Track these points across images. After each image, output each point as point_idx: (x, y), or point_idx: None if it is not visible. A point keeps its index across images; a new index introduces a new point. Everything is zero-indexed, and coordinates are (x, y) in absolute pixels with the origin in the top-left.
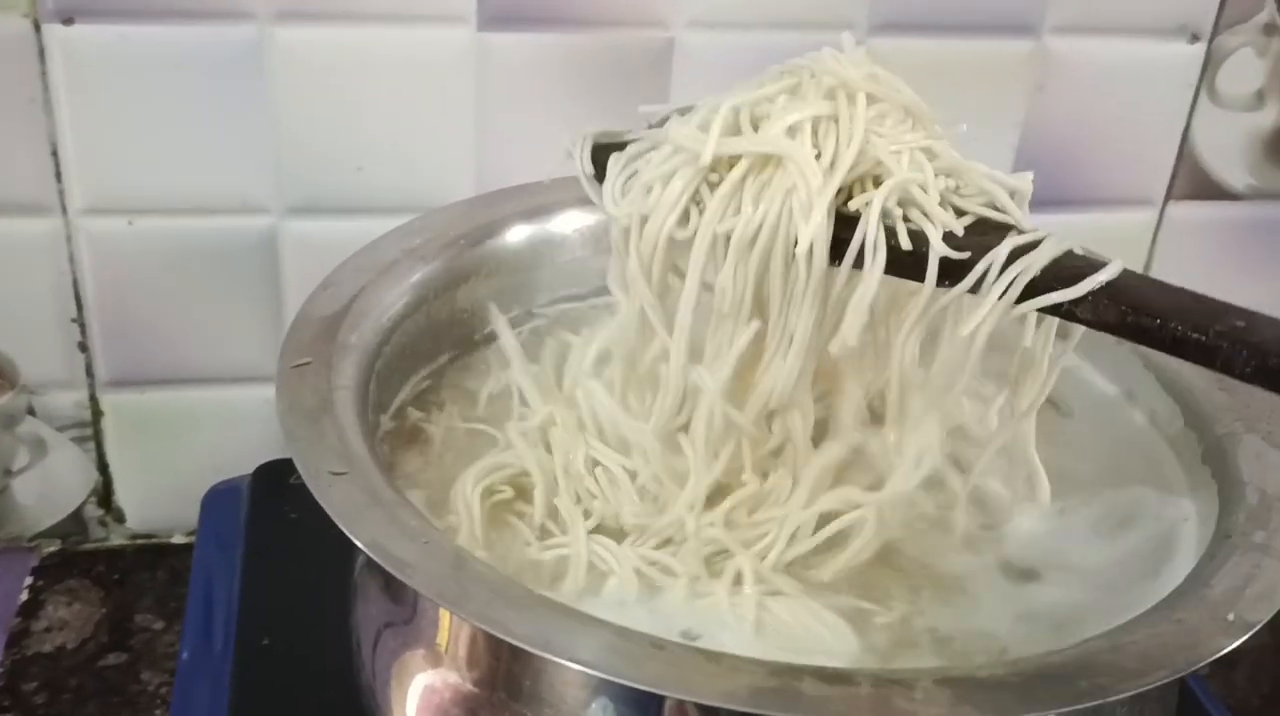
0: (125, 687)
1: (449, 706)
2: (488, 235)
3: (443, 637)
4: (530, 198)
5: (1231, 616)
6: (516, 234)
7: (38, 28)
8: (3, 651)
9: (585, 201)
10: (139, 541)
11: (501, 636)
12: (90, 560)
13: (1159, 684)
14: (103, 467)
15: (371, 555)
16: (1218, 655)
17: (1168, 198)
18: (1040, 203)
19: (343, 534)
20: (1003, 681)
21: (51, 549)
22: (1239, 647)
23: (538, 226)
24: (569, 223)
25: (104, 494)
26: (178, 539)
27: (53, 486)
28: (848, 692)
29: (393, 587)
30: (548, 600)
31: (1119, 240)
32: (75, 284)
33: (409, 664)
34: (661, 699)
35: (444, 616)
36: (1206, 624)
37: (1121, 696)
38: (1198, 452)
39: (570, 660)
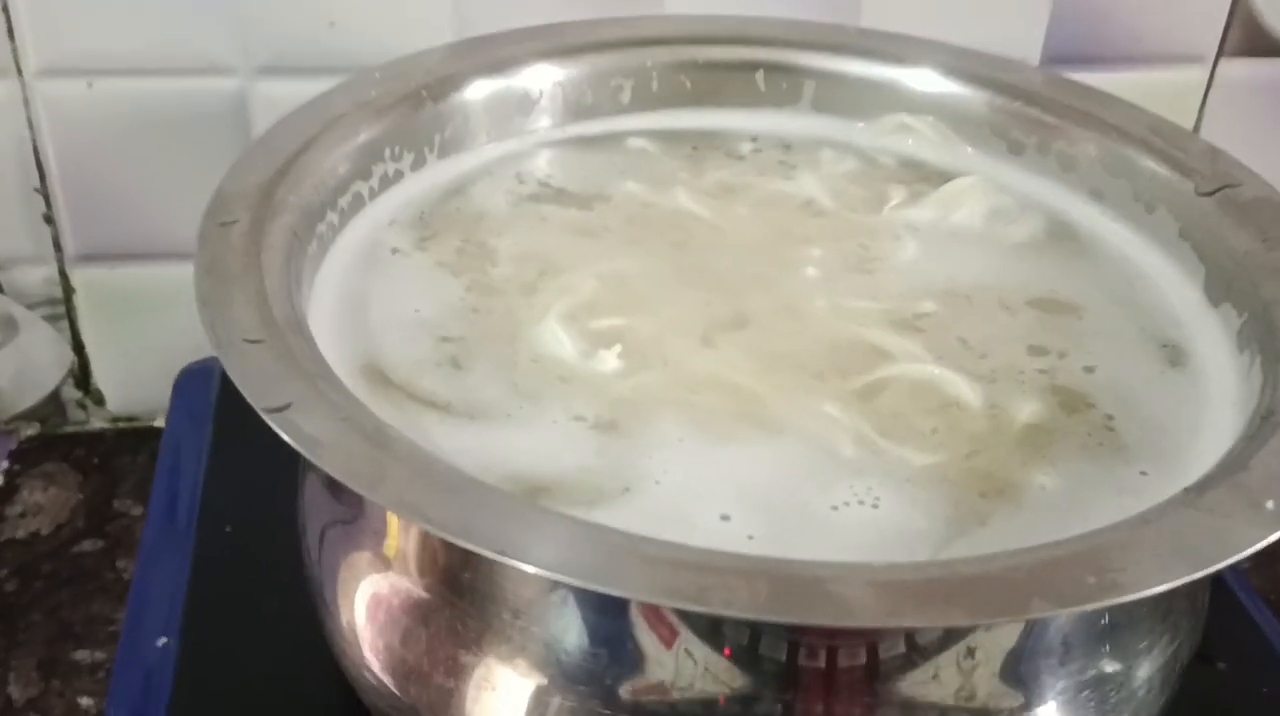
0: (100, 574)
1: (398, 612)
2: (452, 88)
3: (386, 531)
4: (502, 48)
5: (1271, 504)
6: (478, 89)
7: None
8: None
9: (556, 54)
10: (120, 424)
11: (421, 524)
12: (69, 443)
13: (1184, 581)
14: (78, 348)
15: (279, 430)
16: (1254, 548)
17: (1219, 54)
18: (1077, 60)
19: None
20: (1007, 576)
21: (30, 432)
22: None
23: (504, 81)
24: (538, 77)
25: (81, 375)
26: (160, 422)
27: (27, 367)
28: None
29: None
30: (482, 484)
31: (1164, 101)
32: (36, 151)
33: (355, 562)
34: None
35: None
36: (1243, 511)
37: (1143, 595)
38: (1236, 325)
39: (499, 553)
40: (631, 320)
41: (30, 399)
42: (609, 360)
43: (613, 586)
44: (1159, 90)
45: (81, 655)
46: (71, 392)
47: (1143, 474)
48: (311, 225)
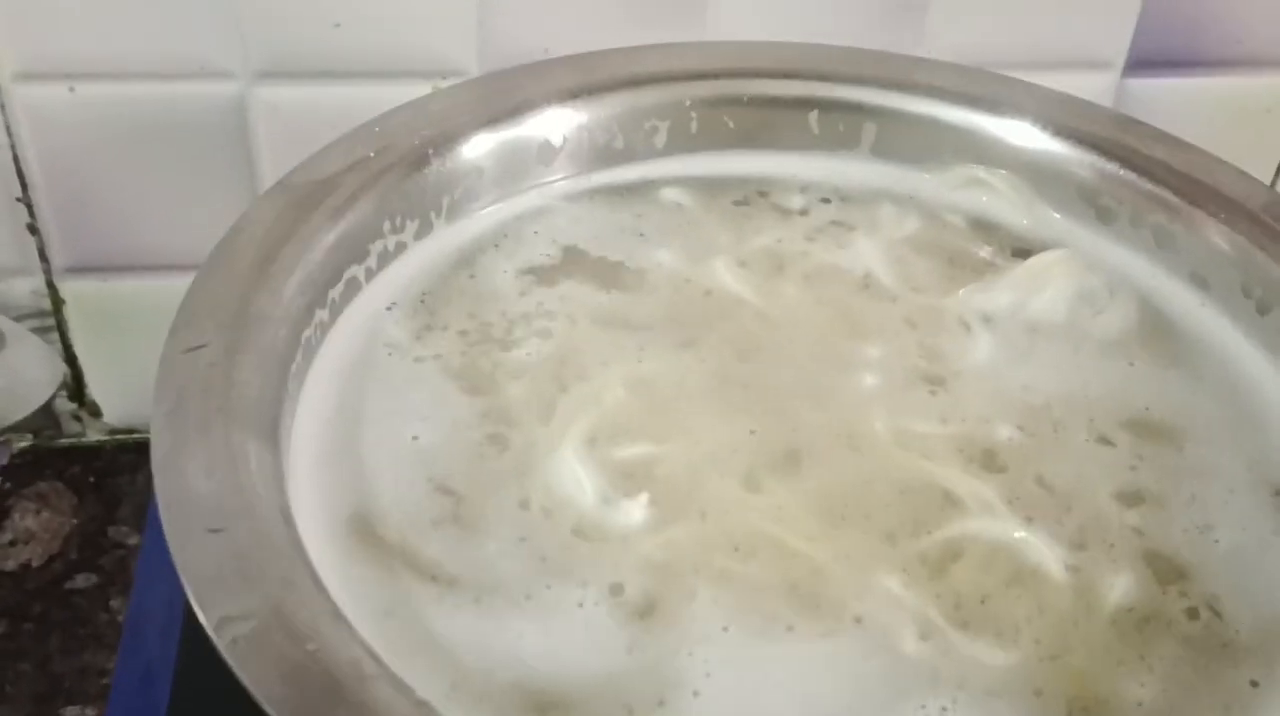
0: (93, 617)
1: None
2: (462, 140)
3: None
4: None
5: None
6: (492, 140)
7: None
8: None
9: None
10: (119, 437)
11: None
12: (65, 459)
13: None
14: (70, 359)
15: (233, 666)
16: None
17: None
18: (1167, 64)
19: None
20: None
21: (23, 444)
22: None
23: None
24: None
25: (75, 387)
26: None
27: (17, 380)
28: None
29: None
30: None
31: (1262, 110)
32: (16, 159)
33: None
34: None
35: None
36: None
37: None
38: None
39: None
40: (662, 447)
41: (21, 412)
42: (635, 512)
43: None
44: (1256, 99)
45: (71, 712)
46: (66, 405)
47: (1254, 685)
48: (297, 334)
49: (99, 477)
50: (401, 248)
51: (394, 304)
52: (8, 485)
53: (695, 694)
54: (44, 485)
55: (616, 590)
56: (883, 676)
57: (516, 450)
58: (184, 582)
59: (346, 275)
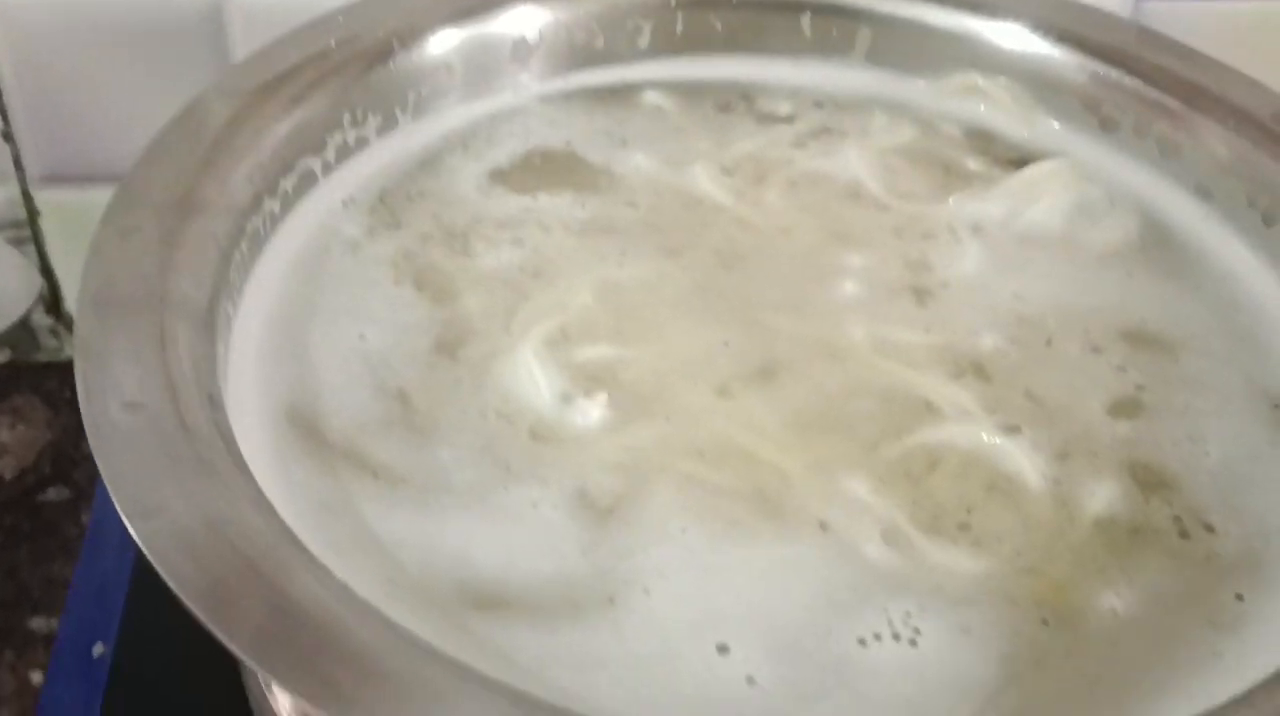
0: (63, 529)
1: None
2: (430, 34)
3: None
4: None
5: None
6: (463, 34)
7: None
8: None
9: None
10: None
11: (279, 685)
12: (41, 374)
13: None
14: (46, 272)
15: (146, 551)
16: None
17: None
18: None
19: None
20: None
21: (0, 359)
22: None
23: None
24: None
25: (52, 300)
26: None
27: None
28: None
29: None
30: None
31: None
32: None
33: None
34: None
35: None
36: None
37: None
38: None
39: None
40: (629, 351)
41: None
42: (593, 412)
43: None
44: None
45: (38, 623)
46: (43, 320)
47: (1239, 598)
48: (240, 223)
49: (74, 393)
50: (363, 143)
51: (351, 200)
52: None
53: (646, 592)
54: (19, 399)
55: (573, 492)
56: (846, 582)
57: (473, 354)
58: (96, 459)
59: (301, 167)
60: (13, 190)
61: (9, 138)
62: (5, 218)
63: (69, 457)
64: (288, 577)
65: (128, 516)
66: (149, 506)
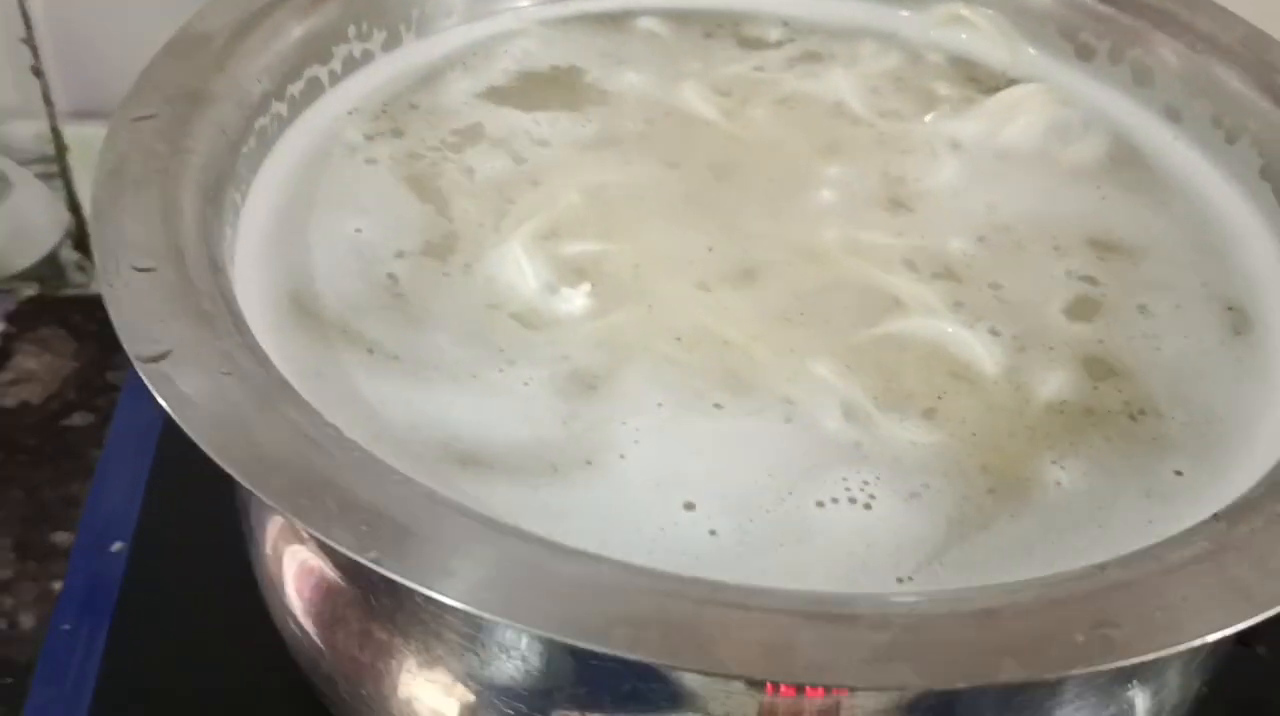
0: (84, 453)
1: (321, 598)
2: None
3: None
4: None
5: None
6: None
7: None
8: None
9: None
10: None
11: (289, 517)
12: (68, 307)
13: (1186, 647)
14: (74, 208)
15: (149, 383)
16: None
17: None
18: None
19: None
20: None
21: (29, 293)
22: None
23: None
24: None
25: (79, 236)
26: None
27: (23, 226)
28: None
29: None
30: (377, 464)
31: None
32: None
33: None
34: None
35: None
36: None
37: (1136, 661)
38: None
39: (375, 563)
40: (613, 246)
41: (26, 259)
42: (577, 299)
43: (509, 616)
44: None
45: (59, 537)
46: (70, 254)
47: (1177, 473)
48: (249, 120)
49: (100, 326)
50: (368, 56)
51: (355, 109)
52: (12, 329)
53: (621, 456)
54: (46, 330)
55: (555, 370)
56: (808, 452)
57: (463, 248)
58: (111, 316)
59: (307, 74)
60: (42, 125)
61: (39, 73)
62: (34, 153)
63: (93, 386)
64: (277, 411)
65: (136, 358)
66: (156, 350)
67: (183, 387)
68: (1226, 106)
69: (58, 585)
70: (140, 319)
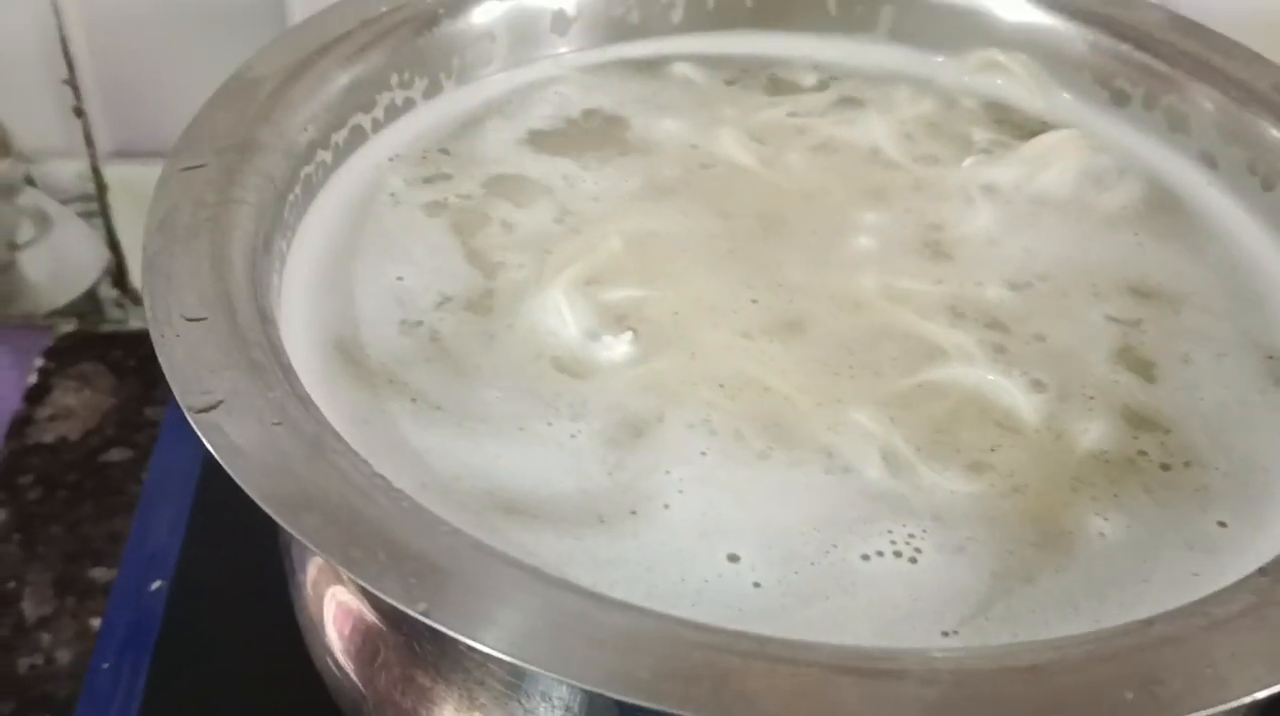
0: (125, 488)
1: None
2: (475, 4)
3: None
4: None
5: None
6: (505, 6)
7: None
8: (3, 438)
9: None
10: None
11: (338, 566)
12: (107, 343)
13: (1236, 704)
14: (113, 245)
15: (201, 435)
16: None
17: None
18: None
19: None
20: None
21: (67, 329)
22: None
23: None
24: None
25: (118, 273)
26: None
27: (63, 263)
28: None
29: None
30: (425, 515)
31: None
32: (63, 41)
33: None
34: None
35: None
36: None
37: None
38: None
39: (422, 615)
40: (654, 292)
41: (66, 296)
42: (617, 346)
43: (560, 671)
44: None
45: (98, 573)
46: (109, 291)
47: (1221, 525)
48: (296, 169)
49: (140, 362)
50: (410, 103)
51: (396, 156)
52: (51, 365)
53: (666, 506)
54: (86, 366)
55: (599, 419)
56: (852, 503)
57: (503, 294)
58: (163, 365)
59: (352, 122)
60: (83, 165)
61: (80, 113)
62: (75, 191)
63: (132, 422)
64: (327, 461)
65: (186, 408)
66: (208, 401)
67: (235, 438)
68: (1262, 153)
69: (96, 621)
70: (192, 369)
